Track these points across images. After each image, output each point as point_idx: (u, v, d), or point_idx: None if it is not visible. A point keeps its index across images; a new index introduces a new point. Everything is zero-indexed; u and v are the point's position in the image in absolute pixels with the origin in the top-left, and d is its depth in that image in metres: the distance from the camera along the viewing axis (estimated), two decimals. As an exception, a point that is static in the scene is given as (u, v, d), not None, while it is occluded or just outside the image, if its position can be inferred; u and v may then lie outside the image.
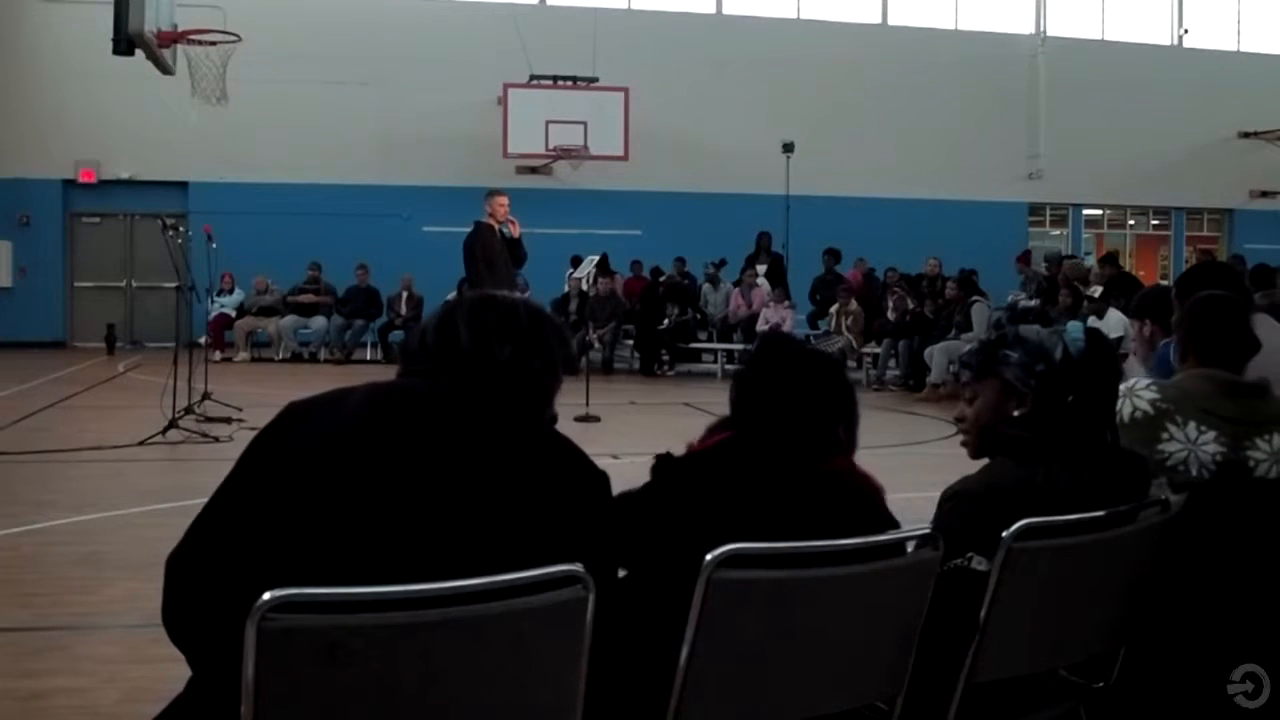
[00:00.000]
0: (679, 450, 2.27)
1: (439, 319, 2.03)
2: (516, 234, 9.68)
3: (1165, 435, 2.64)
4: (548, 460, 1.86)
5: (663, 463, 2.19)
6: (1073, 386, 2.36)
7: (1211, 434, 2.64)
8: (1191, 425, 2.64)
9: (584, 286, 16.44)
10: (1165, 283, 19.52)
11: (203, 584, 1.73)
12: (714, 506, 2.07)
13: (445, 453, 1.79)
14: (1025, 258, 16.52)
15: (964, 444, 2.55)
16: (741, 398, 2.26)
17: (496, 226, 9.65)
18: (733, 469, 2.15)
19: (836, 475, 2.20)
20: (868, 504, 2.20)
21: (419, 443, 1.79)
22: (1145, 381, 2.74)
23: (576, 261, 17.42)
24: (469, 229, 9.87)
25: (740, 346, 15.34)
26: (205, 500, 1.85)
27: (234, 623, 1.51)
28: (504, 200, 9.72)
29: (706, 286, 17.33)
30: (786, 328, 14.39)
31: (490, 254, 9.50)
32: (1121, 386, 2.63)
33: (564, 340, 2.08)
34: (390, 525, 1.70)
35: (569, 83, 19.48)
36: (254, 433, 1.89)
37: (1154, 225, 24.39)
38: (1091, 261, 16.62)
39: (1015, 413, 2.41)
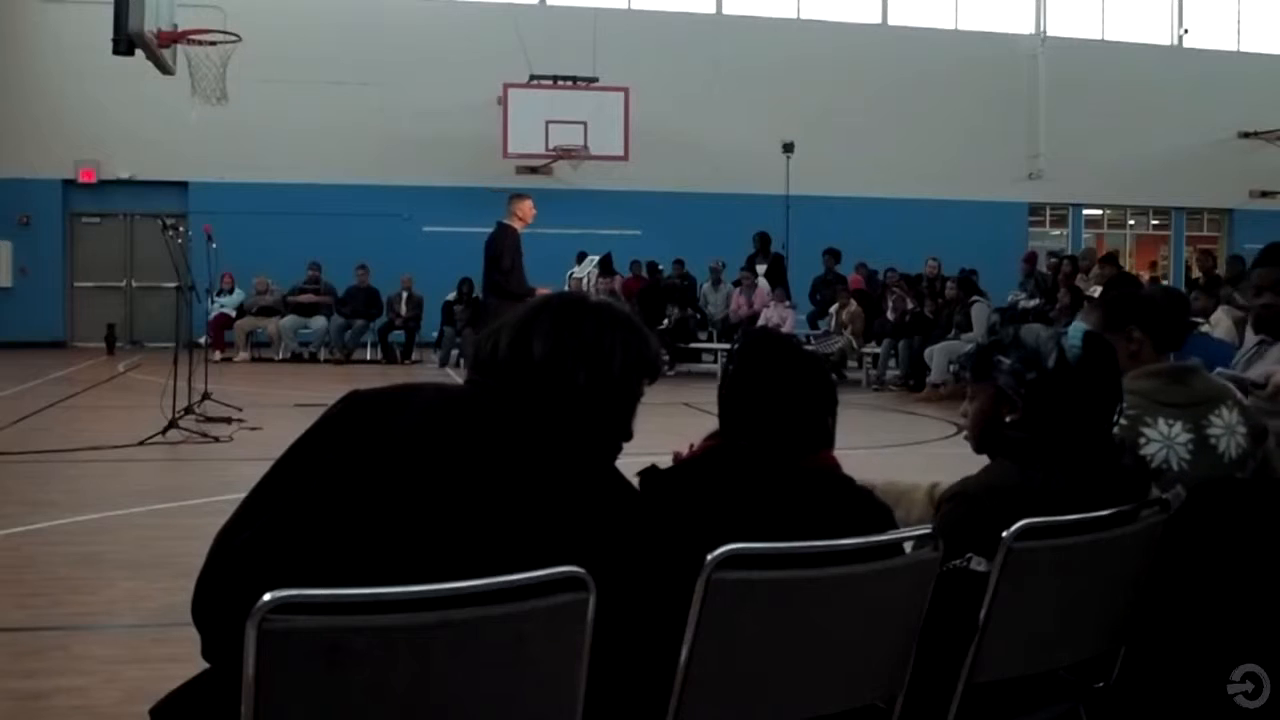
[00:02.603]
0: (665, 459, 2.25)
1: (516, 326, 1.92)
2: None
3: (1144, 440, 2.71)
4: (592, 496, 1.81)
5: (649, 476, 2.15)
6: (1066, 394, 2.36)
7: (1179, 424, 2.72)
8: (1161, 421, 2.73)
9: (585, 286, 16.43)
10: (1167, 283, 19.54)
11: (243, 564, 1.70)
12: (706, 513, 2.06)
13: (490, 473, 1.75)
14: (1031, 259, 16.48)
15: (967, 438, 2.58)
16: (730, 398, 2.24)
17: (520, 229, 9.61)
18: (723, 474, 2.14)
19: (829, 472, 2.20)
20: (862, 500, 2.20)
21: (466, 460, 1.76)
22: None
23: (582, 256, 17.45)
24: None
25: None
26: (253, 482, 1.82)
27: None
28: (532, 204, 9.72)
29: (707, 286, 17.33)
30: (786, 328, 14.37)
31: (516, 257, 9.49)
32: None
33: (650, 359, 1.97)
34: (425, 537, 1.69)
35: (569, 83, 19.49)
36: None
37: (1154, 225, 24.41)
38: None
39: (1008, 418, 2.42)
